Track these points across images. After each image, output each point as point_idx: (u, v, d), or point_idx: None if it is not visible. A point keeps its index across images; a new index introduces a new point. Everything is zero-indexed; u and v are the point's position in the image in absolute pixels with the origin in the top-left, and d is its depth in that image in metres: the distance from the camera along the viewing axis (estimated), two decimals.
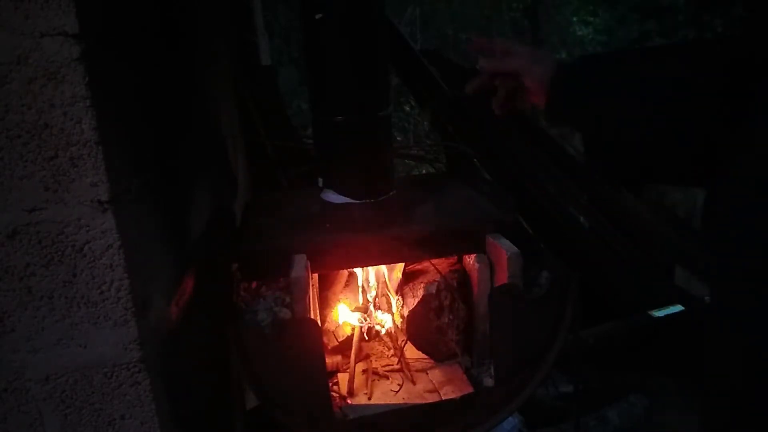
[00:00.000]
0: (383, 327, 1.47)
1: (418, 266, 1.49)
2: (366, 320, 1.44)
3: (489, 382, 1.27)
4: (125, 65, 0.87)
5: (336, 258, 1.23)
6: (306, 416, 1.10)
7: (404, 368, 1.35)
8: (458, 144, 2.45)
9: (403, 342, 1.40)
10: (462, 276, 1.36)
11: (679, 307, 2.18)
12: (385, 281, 1.48)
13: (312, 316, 1.15)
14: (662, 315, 2.16)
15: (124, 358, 0.82)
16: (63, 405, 0.82)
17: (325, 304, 1.44)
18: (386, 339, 1.46)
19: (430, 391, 1.28)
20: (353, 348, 1.37)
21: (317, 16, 1.13)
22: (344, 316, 1.45)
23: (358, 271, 1.46)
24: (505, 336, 1.19)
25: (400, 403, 1.25)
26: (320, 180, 1.30)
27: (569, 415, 1.84)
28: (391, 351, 1.43)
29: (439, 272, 1.36)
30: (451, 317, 1.32)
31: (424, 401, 1.25)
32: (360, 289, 1.47)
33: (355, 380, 1.31)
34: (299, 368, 1.08)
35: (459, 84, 2.66)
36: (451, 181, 1.61)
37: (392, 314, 1.47)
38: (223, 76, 1.84)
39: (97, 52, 0.74)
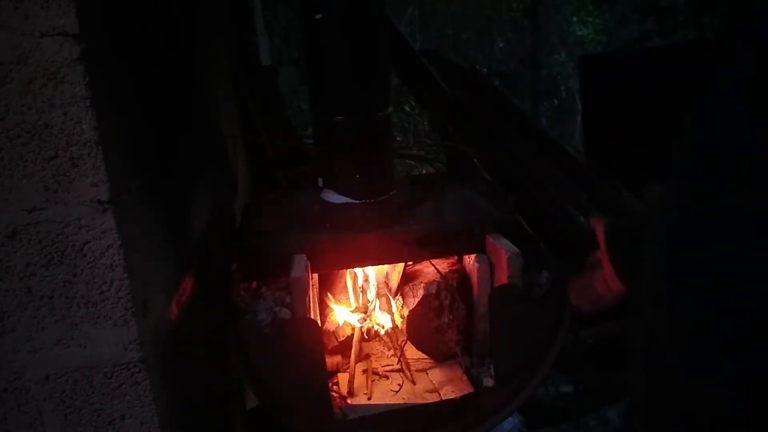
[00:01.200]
0: (383, 327, 1.47)
1: (418, 266, 1.49)
2: (366, 320, 1.44)
3: (489, 382, 1.27)
4: (125, 65, 0.87)
5: (336, 258, 1.23)
6: (306, 416, 1.10)
7: (404, 368, 1.35)
8: (458, 144, 2.45)
9: (403, 342, 1.40)
10: (462, 276, 1.36)
11: None
12: (385, 281, 1.48)
13: (312, 316, 1.15)
14: None
15: (124, 358, 0.82)
16: (63, 405, 0.82)
17: (325, 304, 1.44)
18: (386, 339, 1.46)
19: (430, 391, 1.28)
20: (353, 348, 1.37)
21: (317, 16, 1.13)
22: (344, 316, 1.45)
23: (358, 271, 1.46)
24: (505, 336, 1.19)
25: (400, 403, 1.25)
26: (320, 180, 1.30)
27: (569, 415, 1.84)
28: (391, 351, 1.43)
29: (439, 272, 1.36)
30: (451, 317, 1.32)
31: (424, 401, 1.25)
32: (360, 289, 1.47)
33: (355, 380, 1.31)
34: (299, 368, 1.08)
35: (459, 84, 2.66)
36: (451, 181, 1.61)
37: (392, 314, 1.47)
38: (223, 76, 1.84)
39: (97, 52, 0.74)
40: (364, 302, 1.47)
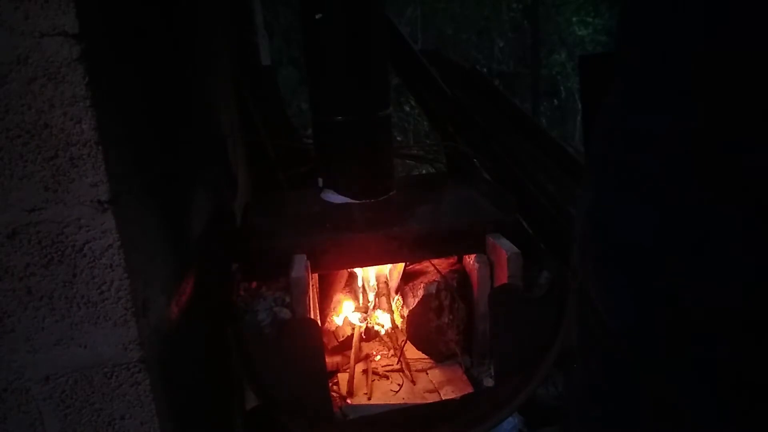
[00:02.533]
0: (383, 327, 1.47)
1: (418, 266, 1.49)
2: (366, 320, 1.44)
3: (489, 382, 1.27)
4: (125, 65, 0.87)
5: (336, 258, 1.23)
6: (306, 416, 1.10)
7: (404, 368, 1.35)
8: (458, 144, 2.45)
9: (403, 342, 1.40)
10: (462, 276, 1.36)
11: None
12: (385, 281, 1.48)
13: (312, 316, 1.15)
14: None
15: (124, 358, 0.82)
16: (63, 405, 0.82)
17: (325, 304, 1.44)
18: (386, 339, 1.46)
19: (430, 391, 1.29)
20: (353, 348, 1.37)
21: (317, 16, 1.13)
22: (344, 316, 1.45)
23: (358, 271, 1.46)
24: (505, 336, 1.19)
25: (400, 403, 1.25)
26: (320, 180, 1.30)
27: None
28: (391, 351, 1.43)
29: (439, 272, 1.36)
30: (451, 317, 1.32)
31: (424, 401, 1.25)
32: (360, 289, 1.47)
33: (355, 380, 1.31)
34: (299, 368, 1.08)
35: (459, 84, 2.65)
36: (451, 181, 1.62)
37: (392, 314, 1.47)
38: (223, 76, 1.84)
39: (97, 52, 0.74)
40: (364, 302, 1.48)
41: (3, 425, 0.81)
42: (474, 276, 1.29)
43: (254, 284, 1.21)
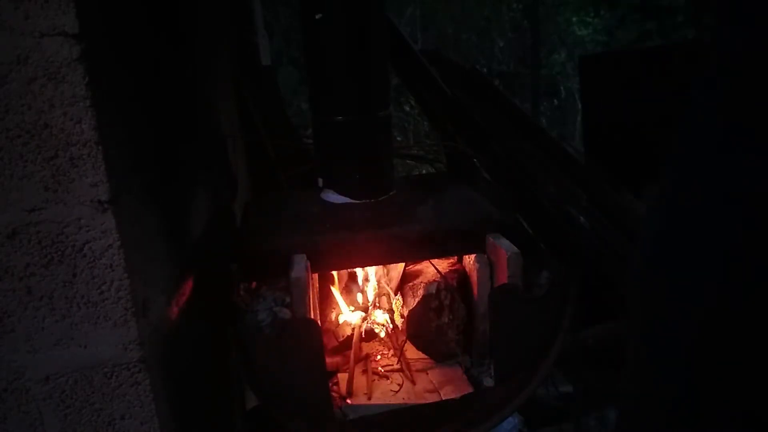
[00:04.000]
0: (383, 327, 1.47)
1: (418, 266, 1.49)
2: (366, 320, 1.44)
3: (489, 382, 1.27)
4: (125, 65, 0.87)
5: (336, 258, 1.23)
6: (306, 416, 1.10)
7: (404, 368, 1.35)
8: (458, 144, 2.45)
9: (403, 342, 1.40)
10: (462, 276, 1.36)
11: None
12: (386, 281, 1.48)
13: (312, 316, 1.15)
14: None
15: (124, 358, 0.82)
16: (63, 405, 0.82)
17: (325, 304, 1.44)
18: (386, 339, 1.46)
19: (430, 391, 1.28)
20: (353, 348, 1.37)
21: (317, 16, 1.13)
22: (344, 316, 1.45)
23: (358, 271, 1.46)
24: (505, 336, 1.19)
25: (400, 403, 1.25)
26: (320, 180, 1.30)
27: (569, 415, 1.84)
28: (391, 351, 1.43)
29: (439, 272, 1.36)
30: (451, 317, 1.32)
31: (424, 401, 1.25)
32: (360, 289, 1.47)
33: (355, 380, 1.31)
34: (299, 368, 1.08)
35: (459, 84, 2.66)
36: (451, 181, 1.61)
37: (392, 314, 1.47)
38: (223, 76, 1.84)
39: (97, 52, 0.74)
40: (364, 302, 1.48)
41: (3, 425, 0.82)
42: (474, 276, 1.29)
43: (254, 284, 1.21)
